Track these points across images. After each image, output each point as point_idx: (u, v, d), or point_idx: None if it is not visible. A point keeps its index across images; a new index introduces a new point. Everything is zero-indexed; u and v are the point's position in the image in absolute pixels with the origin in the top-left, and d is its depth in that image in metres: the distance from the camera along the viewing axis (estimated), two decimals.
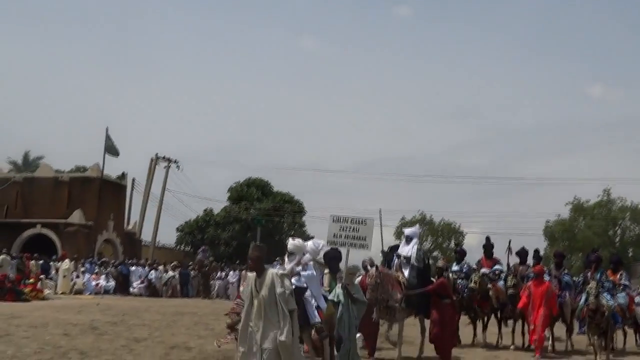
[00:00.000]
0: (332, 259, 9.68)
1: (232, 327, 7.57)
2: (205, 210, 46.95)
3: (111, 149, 33.40)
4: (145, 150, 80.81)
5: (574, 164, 76.93)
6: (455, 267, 14.27)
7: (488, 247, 14.49)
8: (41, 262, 25.59)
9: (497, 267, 13.95)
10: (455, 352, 11.64)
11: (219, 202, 48.51)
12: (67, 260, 25.86)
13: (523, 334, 13.46)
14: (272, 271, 6.80)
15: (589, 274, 12.74)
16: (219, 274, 30.11)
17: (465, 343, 13.52)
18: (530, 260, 14.16)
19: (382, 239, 11.63)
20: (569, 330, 13.58)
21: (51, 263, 26.31)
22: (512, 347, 13.28)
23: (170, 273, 28.60)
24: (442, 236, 56.87)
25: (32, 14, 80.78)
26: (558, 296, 12.92)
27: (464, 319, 14.04)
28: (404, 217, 52.94)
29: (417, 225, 14.31)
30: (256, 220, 41.82)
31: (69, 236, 31.70)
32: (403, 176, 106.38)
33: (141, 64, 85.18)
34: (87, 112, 77.37)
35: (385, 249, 12.24)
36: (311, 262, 8.94)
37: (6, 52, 75.43)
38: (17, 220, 32.49)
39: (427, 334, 11.67)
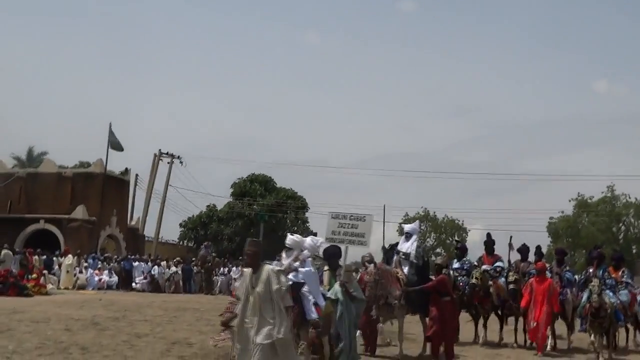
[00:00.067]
0: (331, 255, 9.62)
1: (225, 325, 7.52)
2: (208, 206, 47.12)
3: (116, 144, 33.54)
4: (148, 146, 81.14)
5: (578, 160, 76.80)
6: (456, 264, 14.19)
7: (489, 243, 14.39)
8: (44, 257, 25.65)
9: (498, 264, 13.89)
10: (456, 350, 11.51)
11: (222, 198, 48.71)
12: (70, 256, 25.93)
13: (525, 331, 13.42)
14: (269, 267, 6.76)
15: (590, 271, 12.67)
16: (221, 269, 30.19)
17: (467, 341, 13.43)
18: (531, 257, 14.11)
19: (384, 235, 11.60)
20: (571, 328, 13.52)
21: (54, 258, 26.35)
22: (514, 344, 13.25)
23: (173, 269, 28.70)
24: (446, 233, 56.88)
25: (36, 10, 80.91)
26: (560, 293, 12.89)
27: (465, 317, 13.98)
28: (407, 213, 52.98)
29: (417, 222, 14.18)
30: (259, 216, 41.76)
31: (72, 231, 31.74)
32: (407, 172, 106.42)
33: (145, 59, 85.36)
34: (90, 108, 77.59)
35: (387, 245, 12.19)
36: (309, 259, 8.90)
37: (11, 48, 75.59)
38: (20, 215, 32.54)
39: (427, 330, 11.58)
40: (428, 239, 54.90)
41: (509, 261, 14.01)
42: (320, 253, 9.63)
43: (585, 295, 11.85)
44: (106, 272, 26.98)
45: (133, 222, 37.77)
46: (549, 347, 12.56)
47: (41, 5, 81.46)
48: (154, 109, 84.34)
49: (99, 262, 27.51)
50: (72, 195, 32.92)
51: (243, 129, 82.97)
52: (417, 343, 12.09)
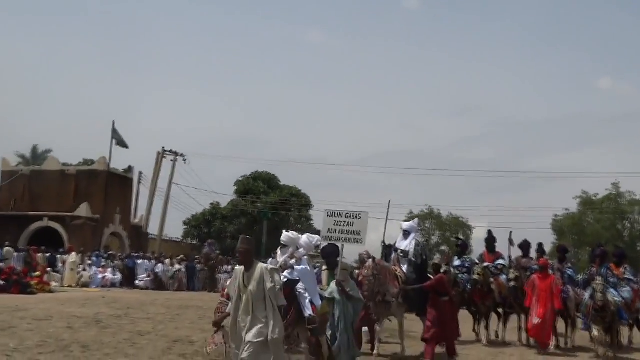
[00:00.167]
0: (329, 254, 9.57)
1: (217, 325, 7.47)
2: (211, 204, 47.12)
3: (121, 141, 33.68)
4: (152, 144, 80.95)
5: (582, 157, 76.40)
6: (457, 262, 14.14)
7: (490, 240, 14.37)
8: (48, 255, 25.74)
9: (500, 261, 13.86)
10: (459, 348, 11.37)
11: (225, 196, 48.65)
12: (73, 254, 26.01)
13: (527, 329, 13.36)
14: (262, 265, 6.69)
15: (593, 269, 12.62)
16: (225, 267, 30.15)
17: (469, 339, 13.35)
18: (533, 254, 14.06)
19: (384, 232, 11.57)
20: (572, 326, 13.48)
21: (58, 256, 26.43)
22: (517, 342, 13.21)
23: (177, 266, 28.73)
24: (450, 230, 56.72)
25: (38, 8, 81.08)
26: (562, 291, 12.83)
27: (465, 314, 13.90)
28: (412, 211, 52.83)
29: (416, 220, 14.13)
30: (263, 214, 41.91)
31: (75, 229, 31.82)
32: (408, 170, 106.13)
33: (146, 57, 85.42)
34: (93, 106, 77.50)
35: (387, 242, 12.15)
36: (305, 257, 8.84)
37: (14, 47, 75.77)
38: (24, 213, 32.62)
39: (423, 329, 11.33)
40: (433, 237, 54.79)
41: (509, 257, 13.92)
42: (318, 251, 9.59)
43: (587, 294, 11.80)
44: (110, 269, 27.01)
45: (137, 220, 37.83)
46: (552, 347, 12.49)
47: (42, 5, 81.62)
48: (156, 106, 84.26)
49: (103, 260, 27.53)
50: (75, 193, 32.99)
51: (246, 127, 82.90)
52: (418, 341, 12.03)
